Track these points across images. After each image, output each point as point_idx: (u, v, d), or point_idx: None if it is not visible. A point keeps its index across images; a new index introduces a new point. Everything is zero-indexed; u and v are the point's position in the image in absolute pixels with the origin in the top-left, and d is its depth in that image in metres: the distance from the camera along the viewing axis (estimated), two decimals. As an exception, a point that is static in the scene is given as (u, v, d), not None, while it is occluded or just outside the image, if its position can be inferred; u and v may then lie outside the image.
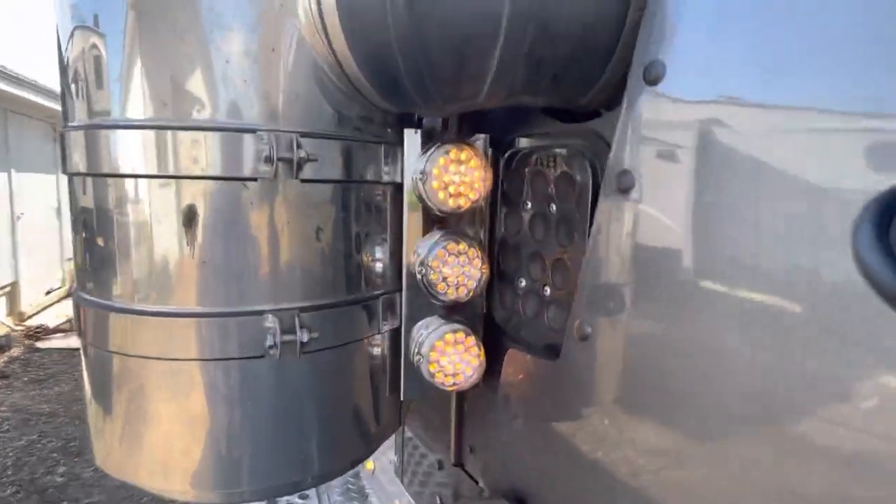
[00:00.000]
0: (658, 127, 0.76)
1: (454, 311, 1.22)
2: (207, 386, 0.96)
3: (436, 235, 1.16)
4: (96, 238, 0.98)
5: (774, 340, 0.64)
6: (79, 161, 0.98)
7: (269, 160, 0.88)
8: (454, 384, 1.15)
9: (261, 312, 0.94)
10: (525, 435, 1.07)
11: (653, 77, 0.75)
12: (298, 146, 0.89)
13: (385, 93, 0.93)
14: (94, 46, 0.92)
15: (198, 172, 0.89)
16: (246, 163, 0.90)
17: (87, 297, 1.03)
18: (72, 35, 0.95)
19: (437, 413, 1.50)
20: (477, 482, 1.32)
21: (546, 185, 1.06)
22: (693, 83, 0.71)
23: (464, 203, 1.10)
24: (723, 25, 0.69)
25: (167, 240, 0.91)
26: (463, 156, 1.09)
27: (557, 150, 1.02)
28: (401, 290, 1.15)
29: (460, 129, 1.23)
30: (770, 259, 0.64)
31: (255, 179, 0.91)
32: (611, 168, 0.82)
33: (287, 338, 0.92)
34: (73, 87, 0.97)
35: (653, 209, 0.77)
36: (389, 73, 0.87)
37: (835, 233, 0.56)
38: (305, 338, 0.93)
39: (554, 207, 1.04)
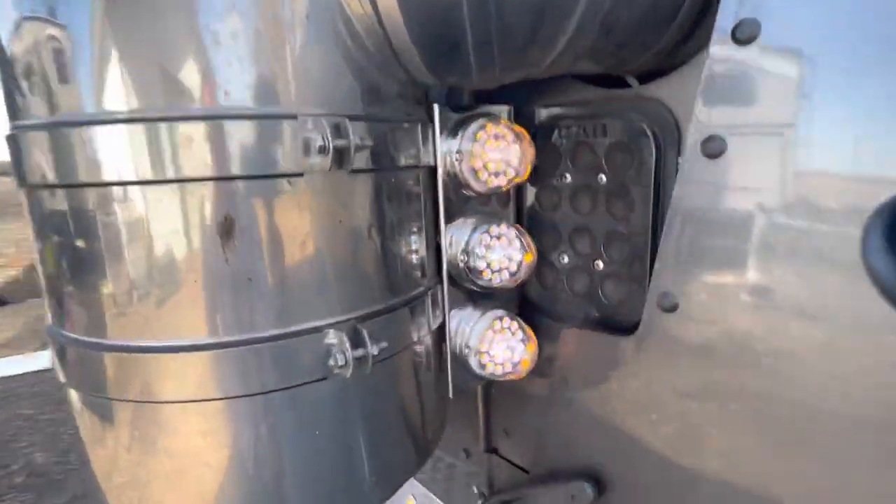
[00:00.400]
0: (753, 90, 0.74)
1: (489, 297, 1.16)
2: (258, 424, 0.82)
3: (472, 219, 1.08)
4: (82, 264, 0.78)
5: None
6: (44, 168, 0.76)
7: (322, 150, 0.74)
8: (506, 373, 1.10)
9: (319, 329, 0.81)
10: (591, 414, 1.05)
11: (746, 37, 0.73)
12: (352, 132, 0.76)
13: (437, 59, 0.81)
14: (59, 21, 0.70)
15: (230, 172, 0.72)
16: (289, 155, 0.75)
17: (75, 336, 0.82)
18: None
19: (454, 402, 1.44)
20: (520, 466, 1.30)
21: (593, 155, 1.01)
22: (797, 41, 0.69)
23: (502, 182, 1.03)
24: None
25: (194, 258, 0.74)
26: (499, 130, 1.00)
27: (607, 119, 0.97)
28: (440, 283, 1.06)
29: (473, 100, 1.14)
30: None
31: (300, 175, 0.76)
32: (695, 134, 0.79)
33: (359, 353, 0.80)
34: (25, 74, 0.74)
35: (746, 174, 0.76)
36: (450, 36, 0.76)
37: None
38: (376, 350, 0.82)
39: (604, 178, 1.00)
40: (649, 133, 0.91)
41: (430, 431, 1.07)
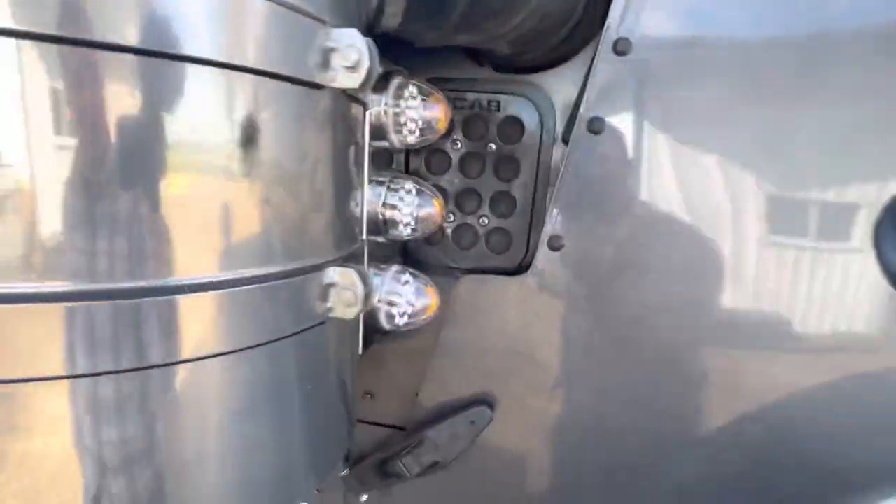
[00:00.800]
0: (625, 86, 1.06)
1: (384, 253, 1.19)
2: (255, 380, 0.67)
3: (386, 174, 1.09)
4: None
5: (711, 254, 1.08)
6: None
7: (356, 66, 0.68)
8: (409, 323, 1.15)
9: (320, 266, 0.72)
10: (480, 348, 1.21)
11: (621, 49, 1.05)
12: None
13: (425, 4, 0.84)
14: None
15: (257, 63, 0.59)
16: (317, 62, 0.66)
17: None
18: None
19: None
20: (390, 425, 1.34)
21: (485, 127, 1.19)
22: (656, 55, 1.04)
23: (416, 140, 1.09)
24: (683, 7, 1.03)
25: (200, 166, 0.57)
26: (420, 89, 1.07)
27: (501, 97, 1.17)
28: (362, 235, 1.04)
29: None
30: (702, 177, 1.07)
31: (321, 87, 0.67)
32: (582, 114, 1.08)
33: (366, 290, 0.75)
34: None
35: (619, 145, 1.08)
36: None
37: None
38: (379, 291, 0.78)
39: (493, 147, 1.19)
40: (536, 112, 1.16)
41: (355, 393, 1.03)
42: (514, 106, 1.17)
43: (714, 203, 1.05)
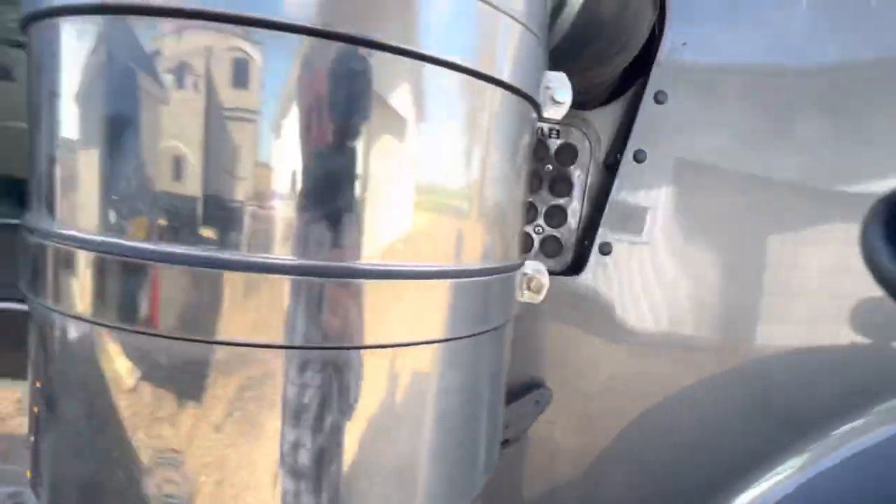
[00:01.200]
0: (662, 126, 1.37)
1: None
2: (475, 363, 0.79)
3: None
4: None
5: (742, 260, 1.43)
6: None
7: (559, 101, 0.86)
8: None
9: (519, 265, 0.88)
10: (537, 338, 1.42)
11: (660, 99, 1.36)
12: None
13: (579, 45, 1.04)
14: None
15: (524, 88, 0.74)
16: (535, 82, 0.83)
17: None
18: None
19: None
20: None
21: (545, 150, 1.41)
22: (686, 104, 1.37)
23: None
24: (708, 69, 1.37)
25: (506, 178, 0.71)
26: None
27: (561, 127, 1.40)
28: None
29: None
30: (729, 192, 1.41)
31: (542, 113, 0.85)
32: (629, 147, 1.36)
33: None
34: None
35: (658, 172, 1.38)
36: (594, 34, 1.03)
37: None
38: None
39: (550, 167, 1.42)
40: (587, 141, 1.41)
41: None
42: (571, 135, 1.42)
43: (727, 217, 1.40)
